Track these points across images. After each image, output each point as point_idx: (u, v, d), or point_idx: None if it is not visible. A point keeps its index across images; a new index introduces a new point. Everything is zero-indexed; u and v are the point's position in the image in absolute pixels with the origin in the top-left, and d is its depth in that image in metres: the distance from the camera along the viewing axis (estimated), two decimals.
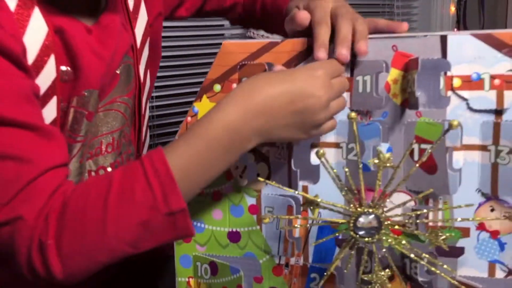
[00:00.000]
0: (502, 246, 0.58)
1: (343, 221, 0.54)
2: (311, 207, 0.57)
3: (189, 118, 0.65)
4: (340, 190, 0.54)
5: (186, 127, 0.65)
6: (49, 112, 0.59)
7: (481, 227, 0.59)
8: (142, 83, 0.74)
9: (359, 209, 0.52)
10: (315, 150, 0.61)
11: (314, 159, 0.61)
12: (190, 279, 0.68)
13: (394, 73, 0.58)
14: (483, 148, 0.57)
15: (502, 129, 0.55)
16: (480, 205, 0.58)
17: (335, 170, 0.53)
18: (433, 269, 0.53)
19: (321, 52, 0.56)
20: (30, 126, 0.51)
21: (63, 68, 0.59)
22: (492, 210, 0.58)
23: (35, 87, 0.55)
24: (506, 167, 0.56)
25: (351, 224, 0.53)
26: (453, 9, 1.92)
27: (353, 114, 0.51)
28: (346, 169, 0.54)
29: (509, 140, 0.55)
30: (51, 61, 0.57)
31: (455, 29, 1.95)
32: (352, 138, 0.59)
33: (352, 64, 0.59)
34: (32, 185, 0.50)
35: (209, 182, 0.55)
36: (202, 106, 0.65)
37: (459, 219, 0.52)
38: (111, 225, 0.50)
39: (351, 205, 0.53)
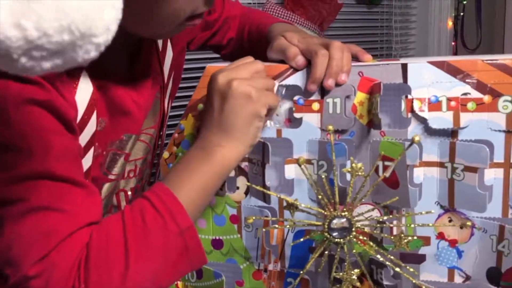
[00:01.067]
0: (460, 253, 0.64)
1: (319, 223, 0.60)
2: (291, 210, 0.63)
3: (176, 135, 0.72)
4: (317, 195, 0.60)
5: (174, 143, 0.72)
6: (86, 161, 0.62)
7: (440, 236, 0.64)
8: (166, 114, 0.78)
9: (333, 212, 0.59)
10: (289, 165, 0.67)
11: (288, 174, 0.67)
12: (178, 282, 0.74)
13: (360, 96, 0.64)
14: (441, 164, 0.62)
15: (457, 148, 0.61)
16: (439, 216, 0.64)
17: (314, 176, 0.60)
18: (397, 269, 0.59)
19: (313, 86, 0.64)
20: (76, 182, 0.54)
21: (102, 119, 0.62)
22: (450, 220, 0.63)
23: (79, 147, 0.59)
24: (461, 183, 0.61)
25: (326, 226, 0.58)
26: (450, 23, 1.96)
27: (330, 127, 0.57)
28: (323, 176, 0.60)
29: (464, 158, 0.60)
30: (94, 117, 0.61)
31: (453, 44, 1.99)
32: (322, 156, 0.65)
33: (322, 87, 0.65)
34: (72, 237, 0.53)
35: (208, 202, 0.62)
36: (188, 123, 0.71)
37: (420, 224, 0.58)
38: (133, 260, 0.53)
39: (326, 209, 0.59)
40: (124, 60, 0.68)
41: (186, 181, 0.59)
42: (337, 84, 0.64)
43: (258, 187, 0.62)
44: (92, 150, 0.62)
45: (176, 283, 0.74)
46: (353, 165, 0.57)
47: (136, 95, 0.66)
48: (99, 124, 0.62)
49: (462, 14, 2.00)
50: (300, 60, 0.65)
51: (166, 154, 0.73)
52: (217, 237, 0.72)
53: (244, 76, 0.61)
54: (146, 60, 0.70)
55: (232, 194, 0.70)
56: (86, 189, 0.56)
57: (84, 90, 0.59)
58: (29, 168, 0.52)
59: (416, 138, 0.55)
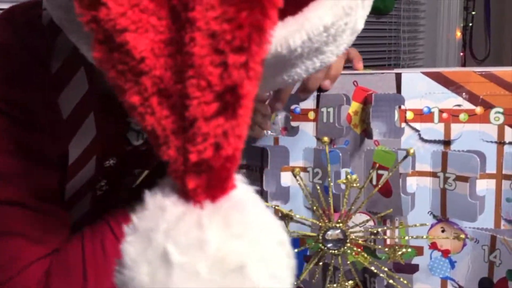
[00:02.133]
0: (452, 264, 0.64)
1: (313, 234, 0.61)
2: (286, 221, 0.65)
3: None
4: (311, 206, 0.61)
5: None
6: (88, 171, 0.60)
7: (433, 246, 0.64)
8: None
9: (328, 224, 0.60)
10: (285, 172, 0.68)
11: (284, 181, 0.68)
12: None
13: (354, 106, 0.65)
14: (434, 174, 0.63)
15: (449, 158, 0.61)
16: (432, 226, 0.64)
17: (308, 188, 0.61)
18: (390, 281, 0.60)
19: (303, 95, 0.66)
20: (40, 209, 0.53)
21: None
22: (443, 231, 0.64)
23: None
24: (453, 192, 0.62)
25: (320, 237, 0.60)
26: (459, 34, 1.96)
27: (326, 139, 0.59)
28: (318, 188, 0.61)
29: (455, 168, 0.61)
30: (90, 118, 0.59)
31: (461, 54, 1.99)
32: (317, 163, 0.66)
33: (318, 96, 0.66)
34: (33, 264, 0.53)
35: None
36: None
37: (414, 236, 0.59)
38: (91, 282, 0.53)
39: (321, 220, 0.60)
40: None
41: None
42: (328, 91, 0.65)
43: None
44: (94, 158, 0.61)
45: None
46: (348, 176, 0.58)
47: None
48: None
49: (470, 24, 2.00)
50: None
51: None
52: None
53: None
54: None
55: None
56: (50, 214, 0.55)
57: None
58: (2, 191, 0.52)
59: (411, 151, 0.57)
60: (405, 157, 0.58)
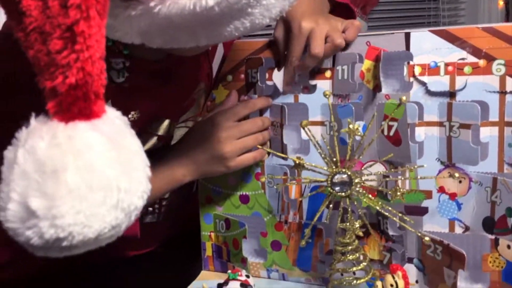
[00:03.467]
0: (459, 206, 0.70)
1: (322, 179, 0.68)
2: (298, 169, 0.72)
3: (208, 103, 0.82)
4: (320, 155, 0.68)
5: (207, 110, 0.82)
6: None
7: (441, 190, 0.70)
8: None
9: (335, 169, 0.67)
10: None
11: (304, 135, 0.75)
12: (211, 233, 0.85)
13: (367, 64, 0.71)
14: (440, 124, 0.69)
15: (453, 107, 0.67)
16: (440, 171, 0.70)
17: (317, 139, 0.68)
18: (396, 219, 0.66)
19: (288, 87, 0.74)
20: None
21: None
22: (450, 175, 0.69)
23: None
24: (457, 139, 0.67)
25: (329, 181, 0.67)
26: (501, 3, 1.94)
27: (327, 92, 0.66)
28: (325, 139, 0.69)
29: (459, 117, 0.66)
30: None
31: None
32: (333, 117, 0.73)
33: (334, 56, 0.73)
34: None
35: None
36: (218, 92, 0.81)
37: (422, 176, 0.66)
38: None
39: (329, 166, 0.67)
40: (160, 60, 0.74)
41: None
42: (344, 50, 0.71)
43: (272, 151, 0.72)
44: None
45: (209, 233, 0.85)
46: (350, 126, 0.64)
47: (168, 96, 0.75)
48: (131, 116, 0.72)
49: None
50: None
51: (199, 119, 0.83)
52: (244, 193, 0.81)
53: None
54: (184, 60, 0.74)
55: None
56: None
57: None
58: None
59: (403, 99, 0.63)
60: (399, 105, 0.64)
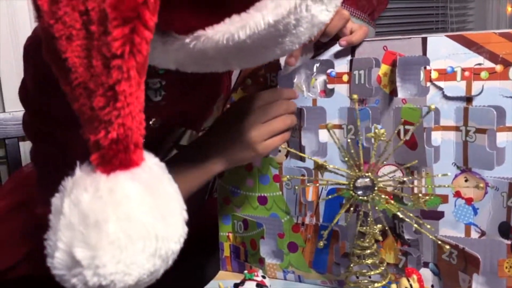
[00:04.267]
0: (475, 211, 0.70)
1: (345, 182, 0.69)
2: (320, 170, 0.73)
3: (227, 105, 0.83)
4: (343, 157, 0.69)
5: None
6: None
7: (457, 194, 0.71)
8: None
9: (358, 173, 0.68)
10: (323, 130, 0.76)
11: (322, 138, 0.77)
12: (229, 234, 0.86)
13: (384, 68, 0.72)
14: (457, 128, 0.69)
15: (470, 112, 0.68)
16: (456, 176, 0.71)
17: (343, 140, 0.69)
18: (416, 226, 0.67)
19: (291, 60, 0.73)
20: None
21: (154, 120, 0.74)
22: (466, 180, 0.70)
23: None
24: (473, 144, 0.68)
25: (351, 185, 0.68)
26: (509, 9, 1.94)
27: (355, 96, 0.67)
28: (349, 140, 0.69)
29: (476, 122, 0.67)
30: None
31: None
32: (350, 121, 0.74)
33: (351, 61, 0.74)
34: None
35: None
36: (238, 96, 0.82)
37: (438, 185, 0.67)
38: None
39: (352, 170, 0.68)
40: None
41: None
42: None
43: (292, 150, 0.72)
44: None
45: (227, 234, 0.86)
46: (376, 131, 0.65)
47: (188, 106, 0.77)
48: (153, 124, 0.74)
49: None
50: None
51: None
52: (262, 194, 0.83)
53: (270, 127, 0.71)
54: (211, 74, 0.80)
55: (275, 156, 0.81)
56: None
57: None
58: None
59: (432, 107, 0.64)
60: (428, 112, 0.65)
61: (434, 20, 1.88)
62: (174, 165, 0.71)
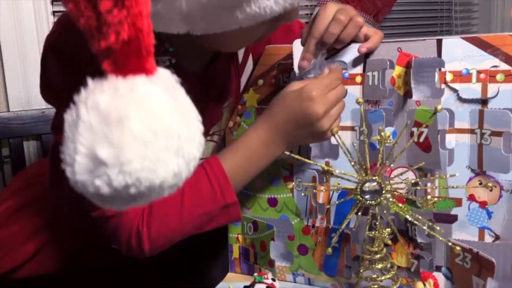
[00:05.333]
0: (489, 214, 0.70)
1: (352, 187, 0.68)
2: (327, 176, 0.72)
3: (239, 106, 0.83)
4: (350, 162, 0.68)
5: (237, 113, 0.83)
6: None
7: (471, 198, 0.70)
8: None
9: (365, 177, 0.67)
10: None
11: (334, 140, 0.76)
12: (239, 235, 0.85)
13: (398, 70, 0.72)
14: (471, 131, 0.69)
15: (485, 115, 0.67)
16: (470, 179, 0.70)
17: (347, 146, 0.68)
18: (429, 230, 0.66)
19: (304, 63, 0.73)
20: None
21: None
22: (480, 183, 0.69)
23: None
24: (489, 147, 0.67)
25: (359, 189, 0.67)
26: None
27: (360, 99, 0.66)
28: (355, 145, 0.69)
29: (491, 124, 0.67)
30: None
31: None
32: (365, 124, 0.73)
33: (364, 62, 0.73)
34: None
35: (251, 180, 0.75)
36: (249, 96, 0.82)
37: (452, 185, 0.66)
38: (185, 215, 0.70)
39: (359, 174, 0.67)
40: (201, 60, 0.78)
41: (242, 172, 0.73)
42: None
43: (297, 156, 0.71)
44: None
45: (237, 235, 0.85)
46: (382, 134, 0.65)
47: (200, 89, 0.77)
48: None
49: None
50: None
51: (230, 123, 0.84)
52: (272, 196, 0.82)
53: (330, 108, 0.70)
54: (222, 62, 0.79)
55: (286, 157, 0.80)
56: None
57: None
58: None
59: (439, 107, 0.63)
60: (434, 113, 0.65)
61: (439, 23, 1.88)
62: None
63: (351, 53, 0.74)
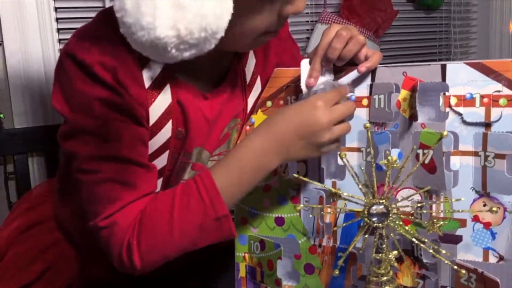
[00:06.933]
0: (493, 235, 0.71)
1: (359, 209, 0.69)
2: (335, 198, 0.74)
3: (247, 127, 0.84)
4: (357, 185, 0.69)
5: (246, 134, 0.84)
6: (161, 161, 0.76)
7: (475, 219, 0.72)
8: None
9: (372, 200, 0.68)
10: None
11: (340, 161, 0.77)
12: (245, 254, 0.86)
13: (403, 93, 0.74)
14: (475, 154, 0.71)
15: (489, 138, 0.69)
16: (474, 200, 0.72)
17: (353, 168, 0.70)
18: (431, 251, 0.67)
19: (311, 81, 0.76)
20: (139, 163, 0.69)
21: (180, 129, 0.75)
22: (484, 205, 0.71)
23: (146, 135, 0.71)
24: (492, 169, 0.69)
25: (366, 212, 0.68)
26: None
27: (367, 124, 0.67)
28: (362, 168, 0.70)
29: (494, 147, 0.68)
30: (169, 124, 0.74)
31: None
32: (369, 144, 0.75)
33: (371, 85, 0.75)
34: (131, 204, 0.69)
35: (244, 195, 0.73)
36: (257, 117, 0.83)
37: (457, 210, 0.68)
38: (176, 228, 0.68)
39: (366, 196, 0.69)
40: (211, 80, 0.80)
41: (234, 183, 0.71)
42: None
43: (306, 179, 0.71)
44: (167, 153, 0.76)
45: (244, 254, 0.86)
46: (389, 158, 0.66)
47: (209, 111, 0.78)
48: (178, 134, 0.76)
49: None
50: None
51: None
52: (279, 215, 0.83)
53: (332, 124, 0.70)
54: (230, 82, 0.81)
55: (293, 177, 0.81)
56: (146, 167, 0.71)
57: (161, 102, 0.72)
58: (104, 150, 0.68)
59: (444, 133, 0.64)
60: (439, 139, 0.66)
61: (438, 37, 1.90)
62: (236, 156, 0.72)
63: (357, 77, 0.76)
